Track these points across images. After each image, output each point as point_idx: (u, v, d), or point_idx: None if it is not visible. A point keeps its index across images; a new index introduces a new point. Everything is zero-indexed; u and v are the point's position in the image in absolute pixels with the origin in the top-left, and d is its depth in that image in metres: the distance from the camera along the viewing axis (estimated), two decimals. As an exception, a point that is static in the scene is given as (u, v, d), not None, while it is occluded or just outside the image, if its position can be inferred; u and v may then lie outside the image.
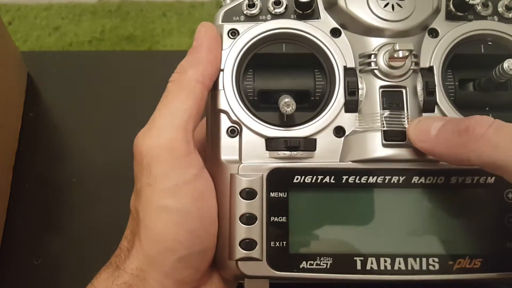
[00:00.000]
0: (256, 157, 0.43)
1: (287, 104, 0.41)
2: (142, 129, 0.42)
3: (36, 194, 0.69)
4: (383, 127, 0.42)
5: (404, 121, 0.42)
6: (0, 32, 0.66)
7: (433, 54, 0.44)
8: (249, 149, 0.43)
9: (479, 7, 0.46)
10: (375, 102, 0.43)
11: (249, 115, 0.43)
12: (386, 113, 0.42)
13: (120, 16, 0.84)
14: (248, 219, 0.42)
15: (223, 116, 0.44)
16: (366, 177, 0.42)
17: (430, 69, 0.44)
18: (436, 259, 0.42)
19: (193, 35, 0.45)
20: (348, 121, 0.44)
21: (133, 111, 0.61)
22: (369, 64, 0.43)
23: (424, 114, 0.43)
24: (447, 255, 0.42)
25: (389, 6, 0.43)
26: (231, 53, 0.45)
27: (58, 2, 0.85)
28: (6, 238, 0.66)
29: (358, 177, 0.42)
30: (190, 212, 0.41)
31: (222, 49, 0.45)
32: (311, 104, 0.45)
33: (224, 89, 0.44)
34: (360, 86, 0.43)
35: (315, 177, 0.42)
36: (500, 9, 0.46)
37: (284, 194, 0.42)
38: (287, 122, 0.44)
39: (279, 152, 0.43)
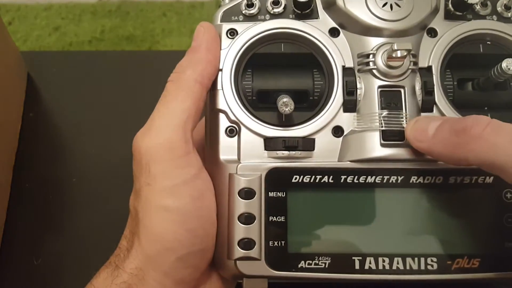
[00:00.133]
0: (255, 157, 0.43)
1: (285, 103, 0.41)
2: (141, 129, 0.42)
3: (36, 194, 0.69)
4: (382, 126, 0.42)
5: (403, 121, 0.42)
6: (0, 32, 0.66)
7: (432, 54, 0.44)
8: (248, 149, 0.43)
9: (478, 7, 0.46)
10: (374, 101, 0.43)
11: (247, 115, 0.43)
12: (385, 112, 0.42)
13: (120, 16, 0.84)
14: (247, 218, 0.42)
15: (221, 116, 0.44)
16: (365, 177, 0.42)
17: (429, 68, 0.44)
18: (435, 259, 0.42)
19: (192, 35, 0.45)
20: (347, 120, 0.44)
21: (133, 111, 0.60)
22: (367, 63, 0.43)
23: (422, 114, 0.43)
24: (445, 254, 0.42)
25: (388, 6, 0.43)
26: (230, 53, 0.45)
27: (58, 2, 0.85)
28: (6, 238, 0.66)
29: (356, 177, 0.42)
30: (189, 211, 0.41)
31: (221, 49, 0.45)
32: (310, 104, 0.45)
33: (222, 89, 0.44)
34: (358, 85, 0.43)
35: (313, 177, 0.42)
36: (499, 9, 0.46)
37: (283, 194, 0.42)
38: (286, 122, 0.44)
39: (278, 152, 0.43)
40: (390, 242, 0.42)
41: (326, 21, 0.45)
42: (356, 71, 0.44)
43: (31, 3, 0.85)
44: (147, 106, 0.43)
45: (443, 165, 0.42)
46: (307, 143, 0.43)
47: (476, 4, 0.46)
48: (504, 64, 0.41)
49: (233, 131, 0.44)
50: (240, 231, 0.42)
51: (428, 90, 0.43)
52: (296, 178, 0.42)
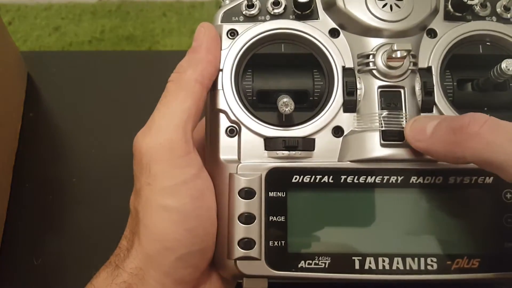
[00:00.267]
0: (255, 157, 0.43)
1: (285, 104, 0.41)
2: (142, 128, 0.42)
3: (36, 194, 0.69)
4: (382, 127, 0.42)
5: (402, 121, 0.42)
6: (0, 32, 0.66)
7: (432, 54, 0.44)
8: (248, 148, 0.43)
9: (477, 8, 0.46)
10: (374, 102, 0.43)
11: (248, 115, 0.44)
12: (385, 113, 0.42)
13: (120, 16, 0.84)
14: (247, 218, 0.42)
15: (222, 116, 0.44)
16: (365, 177, 0.42)
17: (429, 69, 0.44)
18: (434, 259, 0.42)
19: (193, 35, 0.45)
20: (347, 121, 0.44)
21: (133, 111, 0.60)
22: (367, 64, 0.43)
23: (422, 114, 0.43)
24: (445, 255, 0.42)
25: (388, 7, 0.43)
26: (230, 53, 0.45)
27: (58, 2, 0.85)
28: (6, 238, 0.66)
29: (356, 177, 0.42)
30: (189, 211, 0.41)
31: (221, 49, 0.45)
32: (310, 104, 0.45)
33: (223, 89, 0.44)
34: (358, 86, 0.44)
35: (313, 177, 0.42)
36: (498, 10, 0.46)
37: (283, 194, 0.42)
38: (286, 122, 0.44)
39: (278, 152, 0.43)
40: (390, 242, 0.42)
41: (326, 21, 0.46)
42: (356, 72, 0.44)
43: (31, 3, 0.85)
44: (147, 106, 0.43)
45: (443, 165, 0.42)
46: (307, 143, 0.43)
47: (476, 5, 0.46)
48: (503, 64, 0.41)
49: (233, 131, 0.44)
50: (240, 231, 0.42)
51: (428, 91, 0.43)
52: (296, 178, 0.42)
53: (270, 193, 0.42)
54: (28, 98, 0.74)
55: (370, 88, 0.43)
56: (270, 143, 0.43)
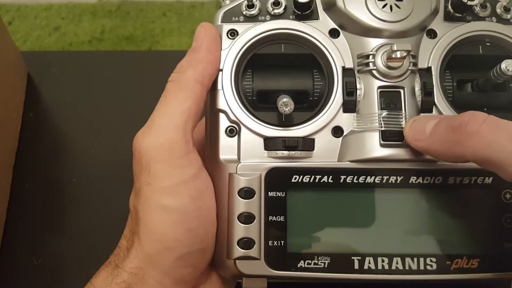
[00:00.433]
0: (255, 157, 0.43)
1: (285, 104, 0.41)
2: (142, 128, 0.42)
3: (36, 194, 0.69)
4: (381, 127, 0.42)
5: (402, 121, 0.42)
6: (0, 32, 0.66)
7: (431, 55, 0.44)
8: (248, 148, 0.43)
9: (477, 8, 0.46)
10: (373, 102, 0.43)
11: (247, 115, 0.44)
12: (384, 113, 0.43)
13: (120, 16, 0.84)
14: (246, 218, 0.42)
15: (222, 116, 0.44)
16: (364, 177, 0.42)
17: (428, 69, 0.44)
18: (434, 259, 0.42)
19: (193, 35, 0.45)
20: (346, 121, 0.44)
21: (133, 111, 0.60)
22: (367, 64, 0.43)
23: (421, 114, 0.43)
24: (444, 255, 0.42)
25: (387, 7, 0.43)
26: (230, 53, 0.45)
27: (58, 2, 0.85)
28: (6, 238, 0.66)
29: (356, 177, 0.42)
30: (189, 211, 0.41)
31: (221, 49, 0.45)
32: (310, 104, 0.45)
33: (223, 89, 0.44)
34: (358, 86, 0.44)
35: (313, 176, 0.42)
36: (498, 10, 0.46)
37: (282, 194, 0.42)
38: (286, 122, 0.44)
39: (278, 152, 0.43)
40: (390, 242, 0.43)
41: (326, 22, 0.46)
42: (356, 72, 0.44)
43: (31, 3, 0.85)
44: (147, 106, 0.43)
45: (443, 165, 0.42)
46: (307, 143, 0.43)
47: (476, 5, 0.46)
48: (503, 65, 0.42)
49: (233, 131, 0.44)
50: (240, 230, 0.42)
51: (427, 91, 0.43)
52: (295, 178, 0.42)
53: (269, 193, 0.42)
54: (28, 98, 0.74)
55: (369, 88, 0.43)
56: (270, 143, 0.43)
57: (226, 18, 0.46)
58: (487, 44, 0.46)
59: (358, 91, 0.44)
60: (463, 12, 0.45)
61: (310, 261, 0.42)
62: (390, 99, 0.43)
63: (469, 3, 0.44)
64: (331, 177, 0.42)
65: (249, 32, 0.45)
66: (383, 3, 0.44)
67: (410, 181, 0.43)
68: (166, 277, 0.41)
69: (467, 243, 0.43)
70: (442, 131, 0.38)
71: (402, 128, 0.42)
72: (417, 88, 0.43)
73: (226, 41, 0.45)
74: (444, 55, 0.45)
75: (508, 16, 0.46)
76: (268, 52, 0.46)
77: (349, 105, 0.44)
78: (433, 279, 0.42)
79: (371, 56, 0.43)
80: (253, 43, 0.45)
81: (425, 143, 0.40)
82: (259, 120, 0.44)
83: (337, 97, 0.44)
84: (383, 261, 0.42)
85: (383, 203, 0.43)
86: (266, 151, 0.43)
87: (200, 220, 0.42)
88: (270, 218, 0.42)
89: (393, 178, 0.42)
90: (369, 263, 0.42)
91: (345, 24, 0.45)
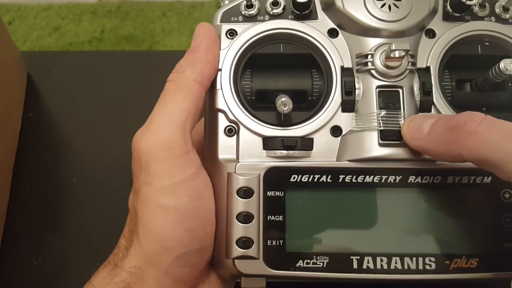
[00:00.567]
0: (253, 156, 0.43)
1: (283, 103, 0.41)
2: (141, 128, 0.42)
3: (36, 194, 0.69)
4: (380, 126, 0.42)
5: (401, 121, 0.42)
6: (0, 32, 0.67)
7: (430, 55, 0.44)
8: (247, 148, 0.43)
9: (476, 8, 0.46)
10: (372, 101, 0.43)
11: (246, 115, 0.44)
12: (383, 112, 0.43)
13: (120, 16, 0.84)
14: (245, 217, 0.42)
15: (220, 116, 0.44)
16: (363, 176, 0.42)
17: (427, 69, 0.44)
18: (433, 259, 0.42)
19: (192, 35, 0.45)
20: (345, 120, 0.44)
21: (133, 111, 0.60)
22: (366, 64, 0.43)
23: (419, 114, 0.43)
24: (443, 254, 0.42)
25: (386, 7, 0.43)
26: (229, 53, 0.45)
27: (58, 2, 0.85)
28: (6, 238, 0.66)
29: (354, 177, 0.42)
30: (188, 210, 0.41)
31: (220, 49, 0.45)
32: (309, 103, 0.45)
33: (222, 88, 0.44)
34: (357, 86, 0.44)
35: (312, 176, 0.42)
36: (497, 10, 0.46)
37: (281, 193, 0.42)
38: (285, 121, 0.44)
39: (276, 151, 0.43)
40: (388, 241, 0.43)
41: (325, 22, 0.46)
42: (354, 71, 0.44)
43: (31, 3, 0.85)
44: (147, 106, 0.44)
45: (441, 165, 0.42)
46: (306, 143, 0.43)
47: (474, 5, 0.46)
48: (502, 64, 0.42)
49: (232, 131, 0.44)
50: (239, 230, 0.42)
51: (426, 91, 0.43)
52: (294, 178, 0.42)
53: (268, 192, 0.42)
54: (28, 98, 0.74)
55: (368, 88, 0.43)
56: (269, 143, 0.43)
57: (225, 18, 0.46)
58: (486, 43, 0.46)
59: (356, 91, 0.44)
60: (462, 11, 0.45)
61: (309, 261, 0.42)
62: (388, 98, 0.43)
63: (468, 2, 0.44)
64: (329, 176, 0.42)
65: (248, 32, 0.45)
66: (381, 2, 0.44)
67: (409, 181, 0.43)
68: (165, 276, 0.41)
69: (466, 242, 0.43)
70: (440, 130, 0.38)
71: (401, 127, 0.42)
72: (416, 88, 0.43)
73: (225, 41, 0.45)
74: (443, 54, 0.45)
75: (507, 16, 0.46)
76: (267, 52, 0.46)
77: (348, 105, 0.44)
78: (432, 278, 0.42)
79: (369, 56, 0.43)
80: (252, 43, 0.45)
81: (423, 142, 0.40)
82: (258, 120, 0.44)
83: (335, 97, 0.44)
84: (382, 260, 0.42)
85: (382, 203, 0.43)
86: (265, 151, 0.43)
87: (199, 220, 0.42)
88: (269, 218, 0.42)
89: (392, 178, 0.42)
90: (368, 262, 0.42)
91: (344, 24, 0.45)
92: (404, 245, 0.42)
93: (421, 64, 0.44)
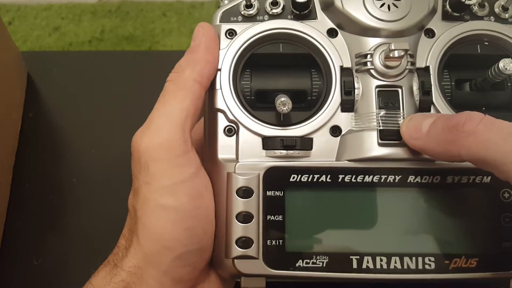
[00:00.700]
0: (253, 156, 0.43)
1: (283, 103, 0.41)
2: (140, 128, 0.42)
3: (36, 194, 0.69)
4: (379, 126, 0.42)
5: (400, 121, 0.42)
6: (0, 32, 0.67)
7: (429, 54, 0.44)
8: (246, 148, 0.43)
9: (475, 8, 0.46)
10: (371, 101, 0.43)
11: (246, 115, 0.44)
12: (382, 112, 0.43)
13: (120, 16, 0.84)
14: (245, 217, 0.42)
15: (220, 116, 0.44)
16: (362, 176, 0.42)
17: (426, 69, 0.44)
18: (432, 258, 0.42)
19: (192, 35, 0.45)
20: (345, 120, 0.44)
21: (133, 111, 0.61)
22: (365, 64, 0.43)
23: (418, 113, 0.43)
24: (443, 254, 0.42)
25: (385, 7, 0.43)
26: (229, 53, 0.45)
27: (58, 2, 0.85)
28: (6, 238, 0.66)
29: (354, 176, 0.42)
30: (188, 210, 0.41)
31: (219, 49, 0.45)
32: (308, 103, 0.45)
33: (221, 88, 0.44)
34: (356, 85, 0.44)
35: (311, 176, 0.42)
36: (496, 10, 0.46)
37: (281, 193, 0.42)
38: (284, 121, 0.44)
39: (276, 151, 0.43)
40: (388, 241, 0.43)
41: (324, 21, 0.46)
42: (354, 71, 0.44)
43: (31, 3, 0.86)
44: (147, 106, 0.44)
45: (441, 164, 0.42)
46: (305, 143, 0.43)
47: (474, 5, 0.46)
48: (501, 64, 0.42)
49: (231, 131, 0.44)
50: (238, 230, 0.42)
51: (425, 90, 0.43)
52: (294, 177, 0.42)
53: (268, 192, 0.42)
54: (28, 98, 0.74)
55: (368, 88, 0.43)
56: (268, 143, 0.43)
57: (225, 18, 0.46)
58: (485, 43, 0.46)
59: (356, 91, 0.44)
60: (461, 11, 0.45)
61: (308, 261, 0.42)
62: (388, 98, 0.43)
63: (467, 2, 0.44)
64: (329, 176, 0.42)
65: (248, 32, 0.45)
66: (381, 2, 0.44)
67: (409, 180, 0.43)
68: (165, 276, 0.41)
69: (466, 242, 0.43)
70: (439, 130, 0.38)
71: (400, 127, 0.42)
72: (415, 88, 0.43)
73: (224, 41, 0.45)
74: (442, 54, 0.45)
75: (506, 16, 0.46)
76: (266, 51, 0.46)
77: (347, 105, 0.44)
78: (431, 278, 0.42)
79: (369, 56, 0.43)
80: (251, 42, 0.45)
81: (421, 141, 0.40)
82: (257, 120, 0.44)
83: (335, 97, 0.44)
84: (381, 260, 0.42)
85: (382, 203, 0.43)
86: (264, 151, 0.43)
87: (198, 219, 0.42)
88: (268, 218, 0.42)
89: (391, 177, 0.42)
90: (368, 262, 0.42)
91: (343, 24, 0.45)
92: (404, 245, 0.42)
93: (420, 63, 0.44)
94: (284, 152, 0.43)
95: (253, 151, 0.43)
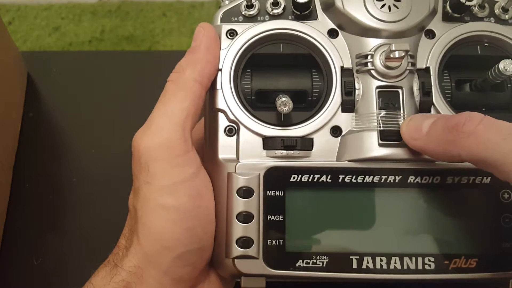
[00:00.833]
0: (254, 156, 0.43)
1: (284, 103, 0.41)
2: (141, 128, 0.42)
3: (36, 194, 0.69)
4: (380, 127, 0.42)
5: (400, 121, 0.42)
6: (0, 32, 0.67)
7: (430, 55, 0.44)
8: (247, 148, 0.43)
9: (475, 9, 0.46)
10: (372, 102, 0.43)
11: (246, 115, 0.44)
12: (383, 113, 0.43)
13: (120, 16, 0.84)
14: (245, 217, 0.42)
15: (221, 115, 0.44)
16: (362, 176, 0.42)
17: (427, 69, 0.44)
18: (432, 259, 0.42)
19: (192, 35, 0.45)
20: (345, 120, 0.44)
21: (133, 111, 0.61)
22: (365, 64, 0.43)
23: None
24: (443, 254, 0.42)
25: (386, 7, 0.44)
26: (229, 53, 0.45)
27: (58, 2, 0.85)
28: (6, 238, 0.66)
29: (354, 177, 0.42)
30: (188, 210, 0.41)
31: (220, 49, 0.45)
32: (308, 104, 0.45)
33: (222, 88, 0.44)
34: (356, 86, 0.44)
35: (311, 176, 0.42)
36: (496, 11, 0.47)
37: (281, 193, 0.42)
38: (285, 121, 0.44)
39: (276, 151, 0.43)
40: (388, 241, 0.43)
41: (325, 22, 0.46)
42: (354, 72, 0.44)
43: (31, 3, 0.86)
44: (147, 106, 0.44)
45: (441, 165, 0.42)
46: (306, 143, 0.43)
47: (474, 6, 0.46)
48: (501, 65, 0.42)
49: (232, 131, 0.44)
50: (239, 229, 0.42)
51: (426, 91, 0.43)
52: (294, 178, 0.42)
53: (268, 192, 0.42)
54: (28, 98, 0.74)
55: (368, 88, 0.43)
56: (269, 143, 0.43)
57: (225, 18, 0.46)
58: (485, 44, 0.46)
59: (356, 91, 0.44)
60: (462, 12, 0.46)
61: (308, 261, 0.42)
62: (388, 99, 0.43)
63: (468, 3, 0.44)
64: (329, 176, 0.43)
65: (248, 32, 0.45)
66: (381, 3, 0.44)
67: (409, 181, 0.43)
68: (165, 276, 0.41)
69: (466, 242, 0.43)
70: (439, 130, 0.38)
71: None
72: (416, 88, 0.44)
73: (225, 41, 0.45)
74: (442, 55, 0.45)
75: (507, 17, 0.46)
76: (267, 52, 0.46)
77: (348, 105, 0.44)
78: (431, 278, 0.42)
79: (369, 56, 0.43)
80: (252, 43, 0.45)
81: (421, 142, 0.40)
82: (258, 120, 0.44)
83: (335, 97, 0.44)
84: (381, 260, 0.42)
85: (382, 203, 0.43)
86: (265, 151, 0.43)
87: (198, 219, 0.42)
88: (268, 218, 0.42)
89: (391, 178, 0.42)
90: (368, 262, 0.42)
91: (344, 24, 0.45)
92: (404, 245, 0.42)
93: (420, 64, 0.44)
94: (284, 152, 0.43)
95: (253, 151, 0.43)
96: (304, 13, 0.46)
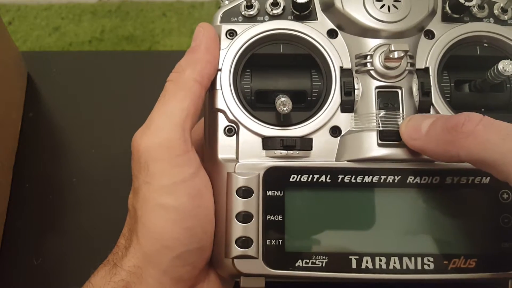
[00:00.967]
0: (253, 156, 0.43)
1: (283, 103, 0.42)
2: (140, 127, 0.42)
3: (36, 194, 0.69)
4: (379, 127, 0.42)
5: (400, 121, 0.42)
6: (0, 32, 0.67)
7: (429, 55, 0.44)
8: (246, 148, 0.44)
9: (475, 9, 0.46)
10: (371, 102, 0.43)
11: (246, 115, 0.44)
12: (382, 113, 0.43)
13: (120, 16, 0.84)
14: (245, 217, 0.42)
15: (220, 116, 0.44)
16: (362, 176, 0.42)
17: (426, 70, 0.44)
18: (431, 259, 0.42)
19: (192, 35, 0.45)
20: (344, 121, 0.44)
21: (133, 111, 0.60)
22: (365, 64, 0.43)
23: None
24: (442, 254, 0.42)
25: (385, 8, 0.44)
26: (229, 53, 0.45)
27: (58, 2, 0.85)
28: (6, 238, 0.66)
29: (353, 177, 0.42)
30: (187, 210, 0.41)
31: (220, 49, 0.45)
32: (308, 104, 0.45)
33: (221, 88, 0.44)
34: (356, 86, 0.44)
35: (311, 176, 0.42)
36: (496, 11, 0.47)
37: (280, 193, 0.42)
38: (284, 121, 0.44)
39: (276, 151, 0.43)
40: (387, 241, 0.43)
41: (324, 22, 0.46)
42: (353, 72, 0.44)
43: (31, 3, 0.86)
44: (147, 106, 0.44)
45: (440, 165, 0.42)
46: (305, 143, 0.43)
47: (473, 6, 0.46)
48: (500, 65, 0.42)
49: (231, 131, 0.44)
50: (238, 229, 0.42)
51: (425, 91, 0.43)
52: (293, 178, 0.43)
53: (267, 192, 0.42)
54: (28, 98, 0.74)
55: (367, 88, 0.44)
56: (268, 143, 0.43)
57: (225, 18, 0.46)
58: (485, 44, 0.46)
59: (356, 91, 0.44)
60: (461, 13, 0.46)
61: (308, 261, 0.42)
62: (387, 99, 0.43)
63: (467, 4, 0.44)
64: (329, 176, 0.43)
65: (248, 32, 0.45)
66: (381, 3, 0.44)
67: (408, 181, 0.43)
68: (164, 275, 0.41)
69: (465, 243, 0.43)
70: (438, 130, 0.38)
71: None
72: (415, 88, 0.44)
73: (225, 41, 0.45)
74: (441, 55, 0.45)
75: (506, 17, 0.46)
76: (266, 52, 0.46)
77: (347, 105, 0.44)
78: (430, 278, 0.42)
79: (369, 57, 0.43)
80: (251, 43, 0.45)
81: (421, 142, 0.40)
82: (257, 120, 0.44)
83: (335, 97, 0.44)
84: (380, 260, 0.42)
85: (381, 203, 0.43)
86: (264, 151, 0.43)
87: (198, 219, 0.42)
88: (268, 217, 0.42)
89: (390, 178, 0.43)
90: (367, 262, 0.42)
91: (343, 25, 0.45)
92: (403, 245, 0.43)
93: (420, 64, 0.44)
94: (284, 152, 0.43)
95: (253, 151, 0.43)
96: (304, 14, 0.46)
